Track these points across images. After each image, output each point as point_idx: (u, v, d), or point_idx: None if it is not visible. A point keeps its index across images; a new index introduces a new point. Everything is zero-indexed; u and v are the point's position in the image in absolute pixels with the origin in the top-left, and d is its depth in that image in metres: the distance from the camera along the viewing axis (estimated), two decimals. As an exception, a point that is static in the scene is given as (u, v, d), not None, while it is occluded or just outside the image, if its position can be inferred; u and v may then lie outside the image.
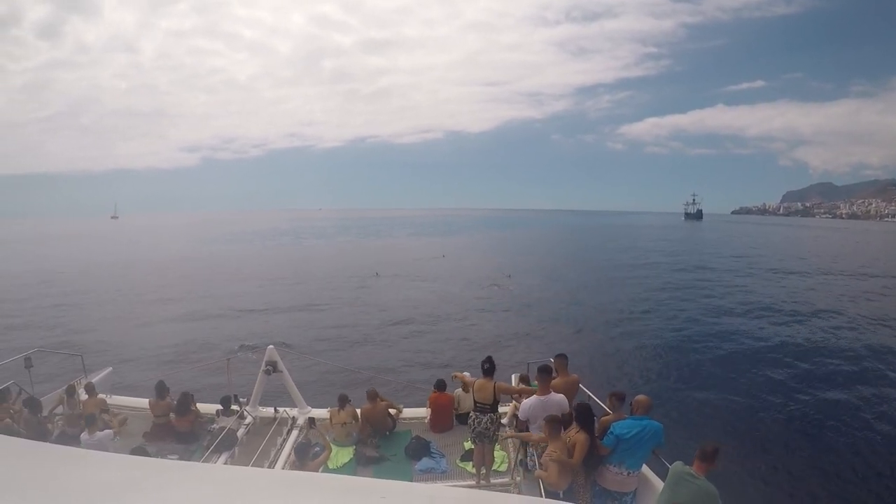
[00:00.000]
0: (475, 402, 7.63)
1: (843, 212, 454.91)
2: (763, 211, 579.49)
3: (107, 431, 8.33)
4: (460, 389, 9.84)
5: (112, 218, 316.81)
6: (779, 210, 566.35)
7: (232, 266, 52.24)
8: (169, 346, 21.49)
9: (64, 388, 9.95)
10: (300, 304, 30.87)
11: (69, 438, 7.95)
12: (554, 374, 7.63)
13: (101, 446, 7.69)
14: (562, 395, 7.26)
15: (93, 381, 10.28)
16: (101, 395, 9.84)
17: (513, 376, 10.01)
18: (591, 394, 8.02)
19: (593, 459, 6.52)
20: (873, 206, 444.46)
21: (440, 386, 9.83)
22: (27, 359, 10.05)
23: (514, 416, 8.52)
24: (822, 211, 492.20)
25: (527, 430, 7.43)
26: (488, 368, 7.60)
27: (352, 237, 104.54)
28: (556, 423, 6.28)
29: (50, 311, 29.78)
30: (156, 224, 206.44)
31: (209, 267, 51.97)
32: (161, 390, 9.64)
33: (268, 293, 34.79)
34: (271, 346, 10.17)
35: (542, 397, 7.11)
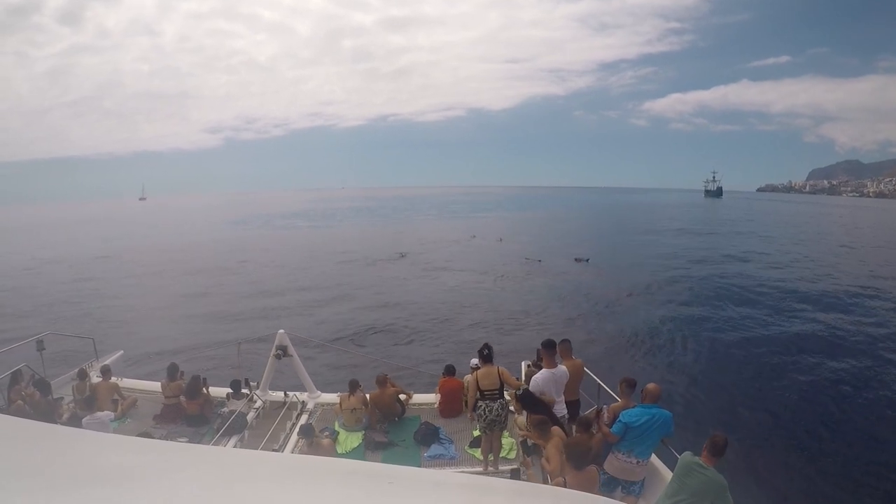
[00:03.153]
0: (481, 391, 7.56)
1: (871, 190, 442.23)
2: (789, 189, 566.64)
3: (106, 412, 8.43)
4: (469, 376, 9.82)
5: (140, 200, 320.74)
6: (805, 188, 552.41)
7: (252, 249, 52.37)
8: (181, 330, 21.77)
9: (76, 370, 10.07)
10: (316, 288, 30.90)
11: (78, 421, 8.03)
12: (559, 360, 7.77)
13: (101, 427, 7.78)
14: (563, 367, 7.52)
15: (102, 363, 10.40)
16: (113, 379, 9.94)
17: (523, 364, 9.99)
18: (598, 380, 7.98)
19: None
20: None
21: (450, 371, 9.80)
22: (39, 342, 10.19)
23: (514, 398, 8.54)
24: (849, 189, 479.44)
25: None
26: (488, 354, 7.61)
27: (376, 218, 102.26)
28: (545, 424, 6.24)
29: (69, 294, 30.41)
30: (182, 205, 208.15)
31: (229, 250, 52.15)
32: (173, 372, 9.76)
33: (287, 276, 34.87)
34: (282, 331, 10.17)
35: (552, 370, 7.38)
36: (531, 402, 6.80)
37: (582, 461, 5.24)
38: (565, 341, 8.15)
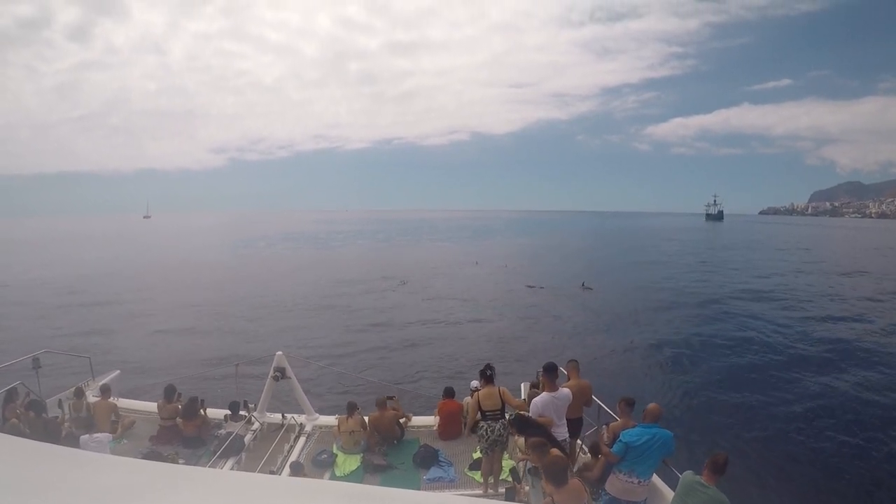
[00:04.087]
0: (483, 412, 7.54)
1: (873, 211, 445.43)
2: (791, 211, 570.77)
3: (105, 434, 8.36)
4: (469, 398, 9.79)
5: (144, 217, 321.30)
6: (807, 210, 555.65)
7: (253, 270, 52.45)
8: (179, 350, 21.72)
9: (72, 389, 10.01)
10: (316, 310, 30.81)
11: (74, 440, 7.96)
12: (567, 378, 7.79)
13: (100, 448, 7.71)
14: (566, 390, 7.39)
15: (100, 382, 10.34)
16: (111, 399, 9.87)
17: (523, 385, 9.95)
18: (598, 401, 7.95)
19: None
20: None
21: (449, 393, 9.76)
22: (35, 360, 10.14)
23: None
24: (850, 210, 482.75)
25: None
26: (490, 375, 7.62)
27: (378, 240, 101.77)
28: (543, 446, 6.22)
29: (69, 314, 30.31)
30: (186, 224, 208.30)
31: (230, 269, 52.47)
32: (170, 393, 9.71)
33: (285, 298, 34.75)
34: (280, 352, 10.13)
35: (552, 393, 7.24)
36: (524, 426, 6.73)
37: (560, 478, 5.20)
38: (573, 361, 8.18)
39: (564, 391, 7.32)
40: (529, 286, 38.41)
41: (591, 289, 36.84)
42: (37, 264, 58.00)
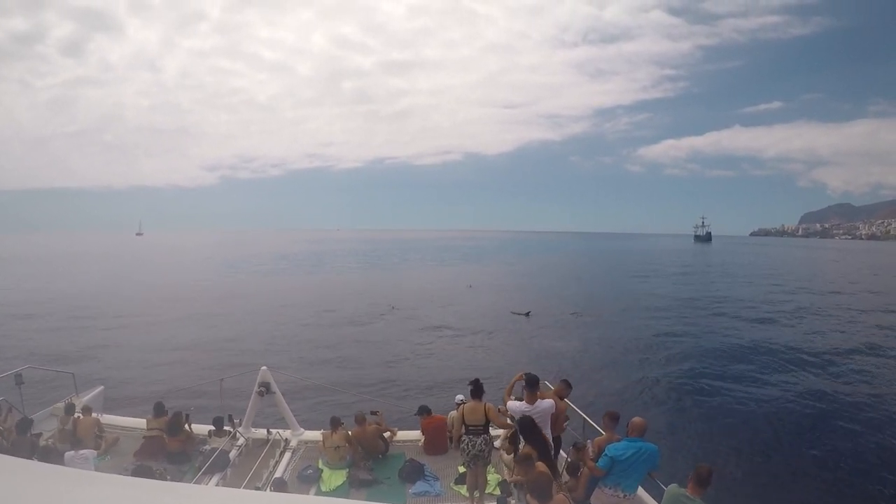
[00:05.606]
0: (466, 426, 7.58)
1: (863, 232, 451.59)
2: (781, 233, 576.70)
3: (90, 450, 8.27)
4: (454, 412, 9.82)
5: (137, 235, 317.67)
6: (797, 231, 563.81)
7: (241, 291, 51.92)
8: (163, 367, 21.54)
9: (62, 404, 9.92)
10: (303, 332, 30.55)
11: (60, 456, 7.85)
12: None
13: (84, 464, 7.63)
14: (549, 401, 7.42)
15: (84, 399, 10.23)
16: (94, 415, 9.76)
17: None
18: (583, 414, 8.01)
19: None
20: (893, 226, 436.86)
21: (423, 411, 9.83)
22: (18, 375, 10.01)
23: (507, 438, 8.55)
24: (840, 232, 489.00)
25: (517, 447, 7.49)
26: (474, 390, 7.66)
27: (369, 263, 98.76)
28: (528, 459, 6.26)
29: (53, 329, 30.19)
30: (179, 243, 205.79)
31: (218, 289, 52.39)
32: (159, 410, 9.68)
33: (271, 319, 34.41)
34: (264, 367, 10.08)
35: (531, 405, 7.24)
36: (529, 430, 6.71)
37: (544, 494, 5.23)
38: (564, 382, 8.29)
39: (544, 404, 7.31)
40: (515, 313, 36.58)
41: (578, 314, 36.44)
42: (27, 278, 58.00)
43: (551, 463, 6.50)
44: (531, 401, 7.28)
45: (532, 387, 7.36)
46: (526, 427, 6.71)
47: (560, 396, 7.92)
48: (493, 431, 8.11)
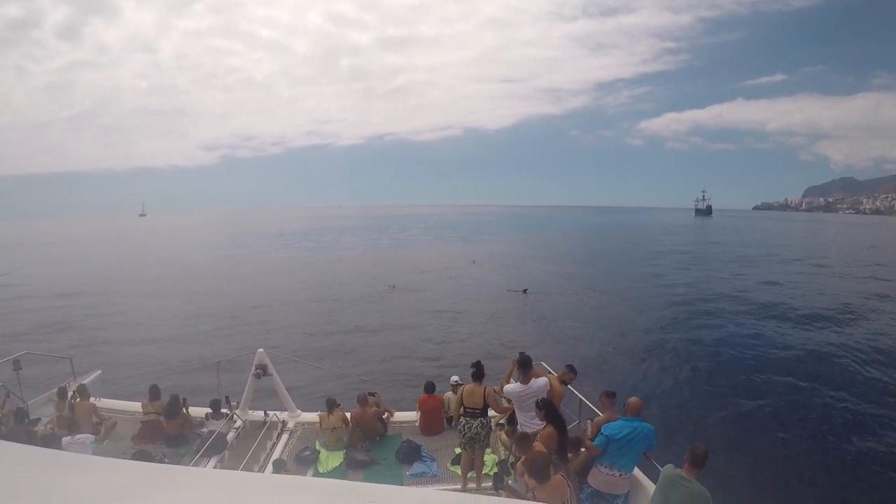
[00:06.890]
0: (465, 408, 7.61)
1: (867, 207, 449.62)
2: (785, 206, 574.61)
3: (87, 435, 8.27)
4: (450, 392, 9.85)
5: (140, 216, 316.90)
6: (801, 205, 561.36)
7: (240, 269, 51.85)
8: (161, 349, 21.56)
9: (55, 390, 9.89)
10: (300, 310, 30.43)
11: (58, 441, 7.86)
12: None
13: (82, 449, 7.63)
14: (544, 379, 7.41)
15: (82, 383, 10.21)
16: (91, 399, 9.76)
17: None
18: (580, 395, 8.01)
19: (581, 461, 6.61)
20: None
21: (429, 388, 9.75)
22: (16, 361, 9.98)
23: (505, 420, 8.58)
24: (845, 206, 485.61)
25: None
26: (476, 373, 7.68)
27: (371, 238, 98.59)
28: (525, 439, 6.27)
29: (52, 312, 30.13)
30: (182, 223, 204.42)
31: (219, 268, 52.31)
32: (154, 393, 9.66)
33: (270, 298, 34.31)
34: (261, 350, 10.08)
35: (525, 385, 7.23)
36: (552, 411, 6.72)
37: (543, 474, 5.24)
38: (568, 367, 8.17)
39: (538, 383, 7.30)
40: (524, 291, 35.87)
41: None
42: (27, 264, 57.95)
43: (564, 444, 6.50)
44: (525, 381, 7.27)
45: (525, 367, 7.34)
46: (548, 407, 6.69)
47: (564, 382, 7.87)
48: (491, 413, 8.13)
